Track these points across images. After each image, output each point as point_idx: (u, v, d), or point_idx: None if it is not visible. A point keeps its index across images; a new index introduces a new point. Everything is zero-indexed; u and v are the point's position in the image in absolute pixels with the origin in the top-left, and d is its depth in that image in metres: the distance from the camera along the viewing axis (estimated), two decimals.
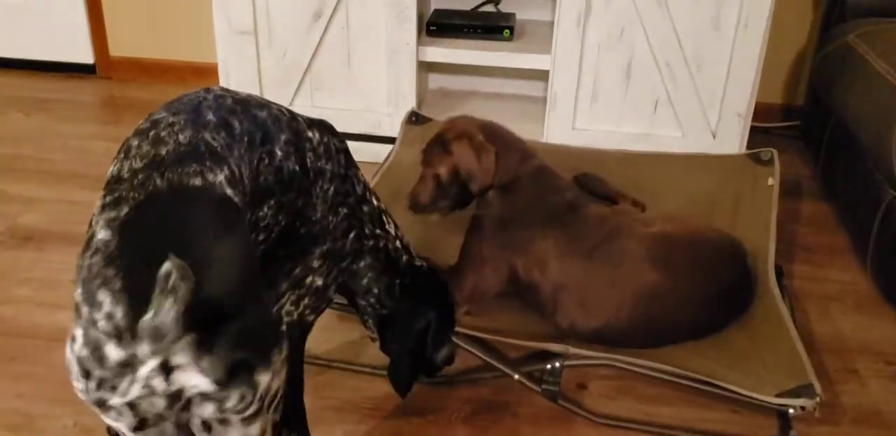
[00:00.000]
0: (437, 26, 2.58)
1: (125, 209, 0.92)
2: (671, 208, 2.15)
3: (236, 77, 2.57)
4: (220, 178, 0.99)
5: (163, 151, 1.00)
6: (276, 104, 1.24)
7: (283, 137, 1.16)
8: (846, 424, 1.67)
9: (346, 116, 2.57)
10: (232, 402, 0.89)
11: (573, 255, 1.74)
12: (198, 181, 0.97)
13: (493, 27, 2.57)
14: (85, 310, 0.85)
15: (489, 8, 2.77)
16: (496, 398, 1.70)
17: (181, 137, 1.02)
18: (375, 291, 1.43)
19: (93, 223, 0.94)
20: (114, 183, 0.97)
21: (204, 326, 0.84)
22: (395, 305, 1.45)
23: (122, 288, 0.85)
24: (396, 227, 1.47)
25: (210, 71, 2.93)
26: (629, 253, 1.73)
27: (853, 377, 1.80)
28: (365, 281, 1.42)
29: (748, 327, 1.79)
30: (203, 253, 0.88)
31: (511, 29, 2.56)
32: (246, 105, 1.15)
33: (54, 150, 2.73)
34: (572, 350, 1.65)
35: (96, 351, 0.84)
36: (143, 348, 0.83)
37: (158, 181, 0.95)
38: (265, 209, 1.10)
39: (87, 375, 0.85)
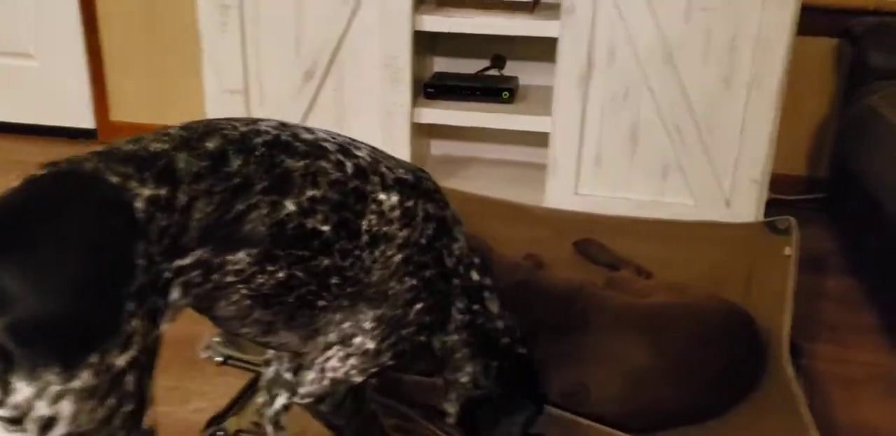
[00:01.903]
0: (434, 88, 2.48)
1: (43, 171, 0.94)
2: (679, 280, 1.96)
3: None
4: (145, 192, 0.93)
5: (124, 148, 0.98)
6: (357, 157, 1.14)
7: (310, 194, 1.06)
8: None
9: None
10: None
11: (546, 344, 1.56)
12: (114, 179, 0.93)
13: (493, 89, 2.46)
14: None
15: (493, 72, 2.67)
16: None
17: (154, 146, 0.99)
18: (469, 369, 1.34)
19: None
20: None
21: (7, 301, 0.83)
22: (489, 388, 1.35)
23: None
24: (502, 307, 1.36)
25: None
26: (610, 331, 1.54)
27: None
28: (458, 356, 1.33)
29: (756, 411, 1.58)
30: (45, 235, 0.87)
31: (511, 91, 2.45)
32: (277, 150, 1.05)
33: None
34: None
35: None
36: None
37: (87, 164, 0.94)
38: (240, 254, 1.01)
39: None
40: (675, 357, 1.53)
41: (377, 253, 1.15)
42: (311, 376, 1.23)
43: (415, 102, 2.41)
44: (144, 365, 0.92)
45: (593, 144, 2.33)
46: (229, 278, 1.03)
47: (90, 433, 0.87)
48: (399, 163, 1.22)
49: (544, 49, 2.44)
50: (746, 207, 2.31)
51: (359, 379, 1.24)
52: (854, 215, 2.33)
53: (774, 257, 2.07)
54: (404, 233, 1.16)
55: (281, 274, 1.06)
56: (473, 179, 2.59)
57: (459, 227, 1.28)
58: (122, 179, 0.93)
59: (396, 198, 1.15)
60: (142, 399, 0.92)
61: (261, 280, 1.05)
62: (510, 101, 2.45)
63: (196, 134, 1.02)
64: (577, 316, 1.59)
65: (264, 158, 1.03)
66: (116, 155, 0.96)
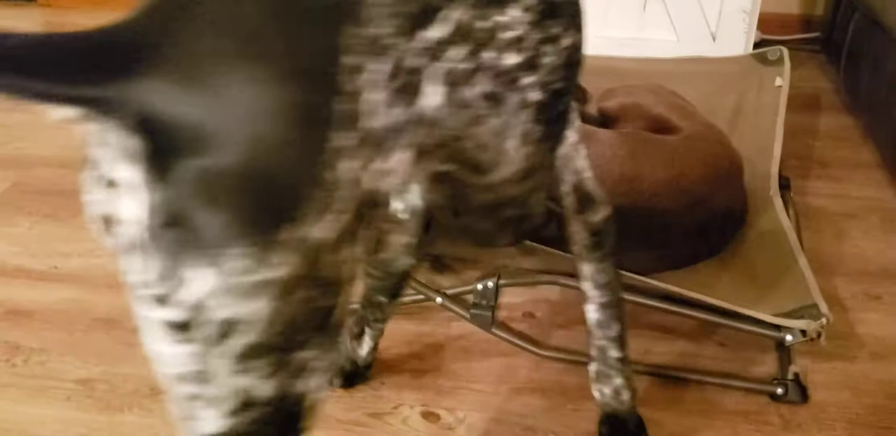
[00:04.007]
0: None
1: None
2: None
3: None
4: None
5: None
6: None
7: None
8: (863, 359, 1.31)
9: None
10: None
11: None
12: None
13: None
14: None
15: None
16: (417, 329, 1.36)
17: None
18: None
19: None
20: None
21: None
22: None
23: None
24: None
25: None
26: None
27: (875, 305, 1.43)
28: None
29: (744, 244, 1.45)
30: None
31: None
32: None
33: None
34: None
35: None
36: None
37: None
38: (516, 11, 0.67)
39: None
40: (656, 201, 1.39)
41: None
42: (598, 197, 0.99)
43: None
44: (354, 230, 0.57)
45: None
46: (489, 57, 0.66)
47: (277, 342, 0.55)
48: None
49: None
50: (734, 41, 2.11)
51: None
52: (851, 47, 2.13)
53: (765, 89, 1.90)
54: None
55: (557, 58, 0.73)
56: None
57: None
58: None
59: None
60: (347, 284, 0.59)
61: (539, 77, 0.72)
62: None
63: None
64: None
65: None
66: None
